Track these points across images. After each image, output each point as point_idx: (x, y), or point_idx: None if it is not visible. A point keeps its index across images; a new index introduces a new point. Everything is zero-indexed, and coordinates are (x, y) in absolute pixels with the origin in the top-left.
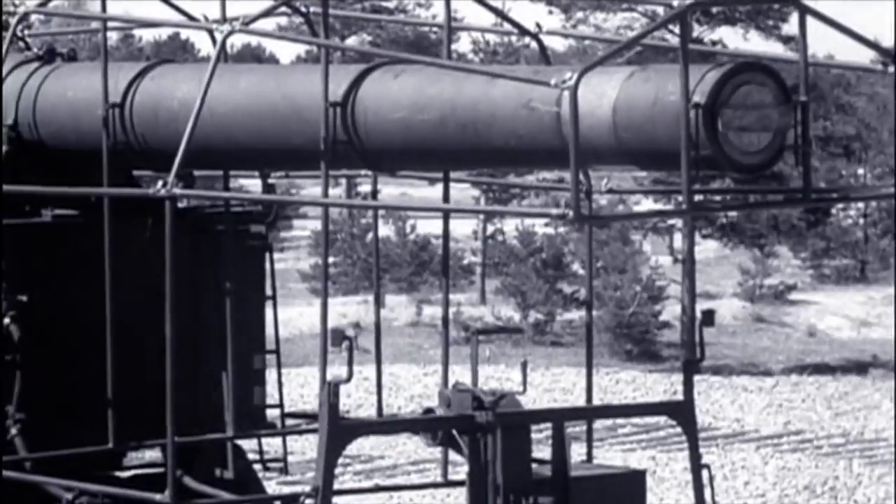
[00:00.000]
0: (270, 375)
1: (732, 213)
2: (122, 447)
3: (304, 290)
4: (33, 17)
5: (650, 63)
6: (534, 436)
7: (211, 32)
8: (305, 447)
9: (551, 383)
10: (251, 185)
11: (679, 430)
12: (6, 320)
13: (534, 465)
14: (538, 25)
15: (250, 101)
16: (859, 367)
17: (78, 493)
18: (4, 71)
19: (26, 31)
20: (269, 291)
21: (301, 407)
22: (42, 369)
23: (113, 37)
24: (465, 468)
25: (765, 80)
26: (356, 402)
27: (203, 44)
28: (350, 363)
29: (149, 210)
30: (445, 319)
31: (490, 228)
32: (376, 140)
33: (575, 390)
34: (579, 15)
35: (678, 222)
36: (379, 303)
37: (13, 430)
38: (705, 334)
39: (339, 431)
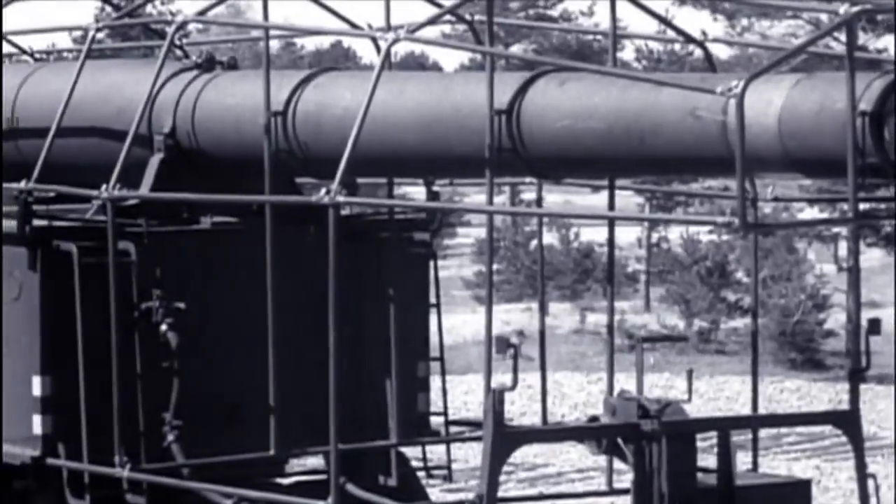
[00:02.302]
0: (434, 383)
1: None
2: (284, 454)
3: (467, 297)
4: (191, 26)
5: (816, 71)
6: (699, 444)
7: (375, 40)
8: (469, 455)
9: (716, 392)
10: (415, 192)
11: (844, 439)
12: (163, 327)
13: (699, 474)
14: (704, 33)
15: (414, 108)
16: None
17: (238, 499)
18: (161, 79)
19: (184, 40)
20: (432, 299)
21: (465, 414)
22: (200, 376)
23: (274, 45)
24: (630, 476)
25: None
26: (520, 409)
27: (365, 51)
28: (515, 371)
29: (311, 217)
30: (611, 327)
31: (654, 236)
32: (541, 148)
33: (739, 399)
34: (744, 22)
35: (843, 231)
36: (543, 310)
37: (170, 437)
38: (871, 343)
39: (504, 439)
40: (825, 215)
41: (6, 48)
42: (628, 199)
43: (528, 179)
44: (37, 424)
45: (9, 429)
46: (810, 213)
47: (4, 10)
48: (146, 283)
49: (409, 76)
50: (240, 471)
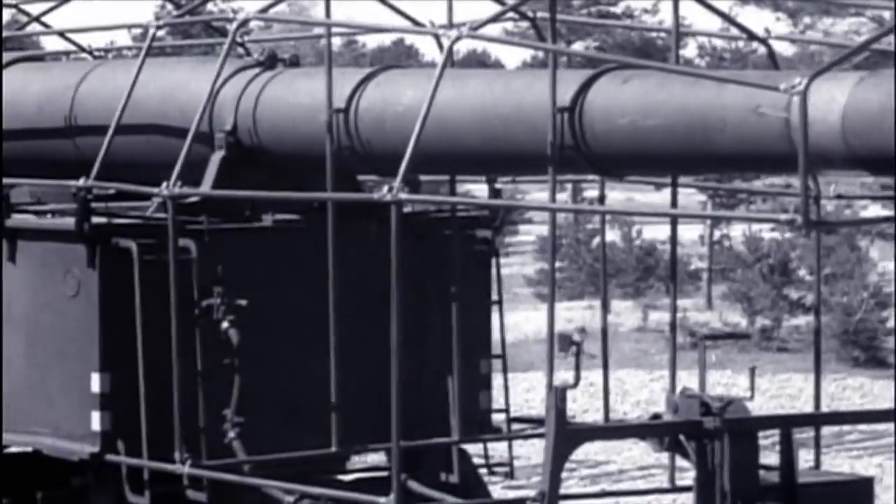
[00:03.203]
0: (496, 380)
1: None
2: (346, 451)
3: (529, 294)
4: (253, 24)
5: (879, 68)
6: (761, 442)
7: (437, 38)
8: (531, 452)
9: (778, 389)
10: (477, 189)
11: None
12: (224, 324)
13: (761, 472)
14: (767, 30)
15: (477, 106)
16: None
17: (300, 496)
18: (223, 77)
19: (246, 38)
20: (494, 296)
21: (527, 411)
22: (261, 373)
23: (336, 42)
24: (692, 474)
25: None
26: (582, 407)
27: (427, 49)
28: (577, 368)
29: (374, 215)
30: (673, 324)
31: (717, 234)
32: (604, 145)
33: (801, 396)
34: (806, 20)
35: None
36: (606, 308)
37: (231, 434)
38: None
39: (566, 436)
40: (888, 212)
41: (65, 46)
42: (691, 197)
43: (590, 177)
44: (95, 421)
45: (66, 425)
46: (873, 210)
47: (62, 8)
48: (207, 281)
49: (471, 73)
50: (300, 467)
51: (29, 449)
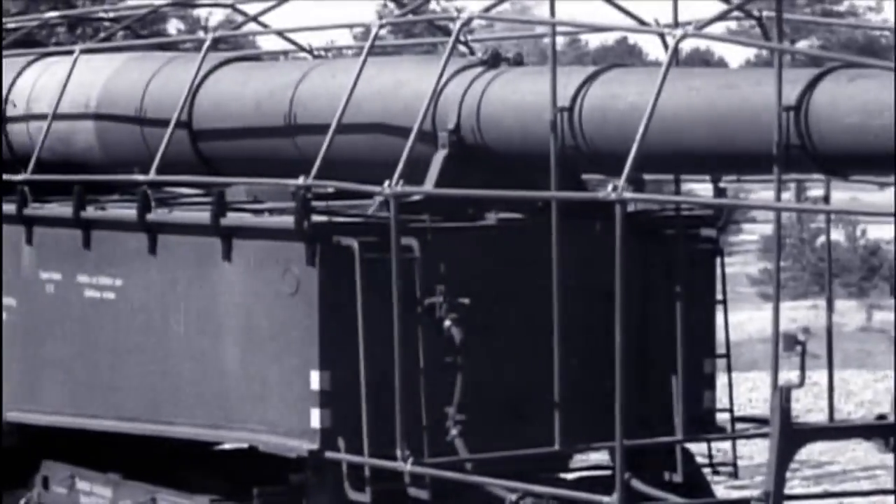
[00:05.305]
0: (720, 379)
1: None
2: (569, 449)
3: (752, 294)
4: (475, 23)
5: None
6: None
7: (662, 37)
8: (754, 452)
9: None
10: (700, 188)
11: None
12: (447, 322)
13: None
14: None
15: (701, 104)
16: None
17: (522, 494)
18: (446, 76)
19: (469, 37)
20: (718, 295)
21: (750, 411)
22: (483, 371)
23: (559, 41)
24: None
25: None
26: (805, 407)
27: (651, 48)
28: (802, 368)
29: (597, 214)
30: None
31: None
32: (830, 144)
33: None
34: None
35: None
36: (830, 307)
37: (454, 432)
38: None
39: (791, 436)
40: None
41: (284, 45)
42: None
43: (814, 176)
44: (315, 418)
45: (284, 422)
46: None
47: (281, 8)
48: (429, 279)
49: (695, 72)
50: (522, 466)
51: (244, 445)
